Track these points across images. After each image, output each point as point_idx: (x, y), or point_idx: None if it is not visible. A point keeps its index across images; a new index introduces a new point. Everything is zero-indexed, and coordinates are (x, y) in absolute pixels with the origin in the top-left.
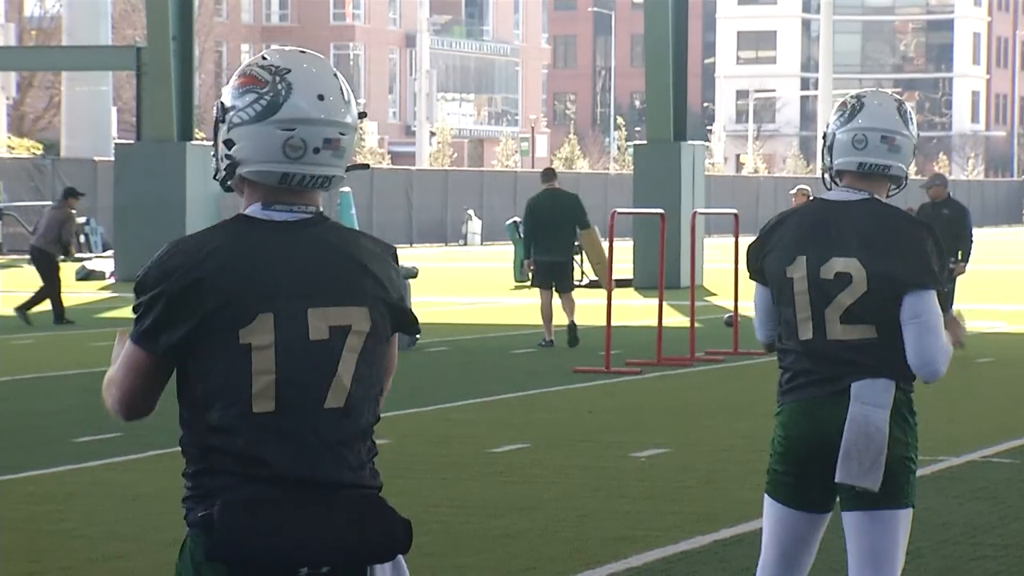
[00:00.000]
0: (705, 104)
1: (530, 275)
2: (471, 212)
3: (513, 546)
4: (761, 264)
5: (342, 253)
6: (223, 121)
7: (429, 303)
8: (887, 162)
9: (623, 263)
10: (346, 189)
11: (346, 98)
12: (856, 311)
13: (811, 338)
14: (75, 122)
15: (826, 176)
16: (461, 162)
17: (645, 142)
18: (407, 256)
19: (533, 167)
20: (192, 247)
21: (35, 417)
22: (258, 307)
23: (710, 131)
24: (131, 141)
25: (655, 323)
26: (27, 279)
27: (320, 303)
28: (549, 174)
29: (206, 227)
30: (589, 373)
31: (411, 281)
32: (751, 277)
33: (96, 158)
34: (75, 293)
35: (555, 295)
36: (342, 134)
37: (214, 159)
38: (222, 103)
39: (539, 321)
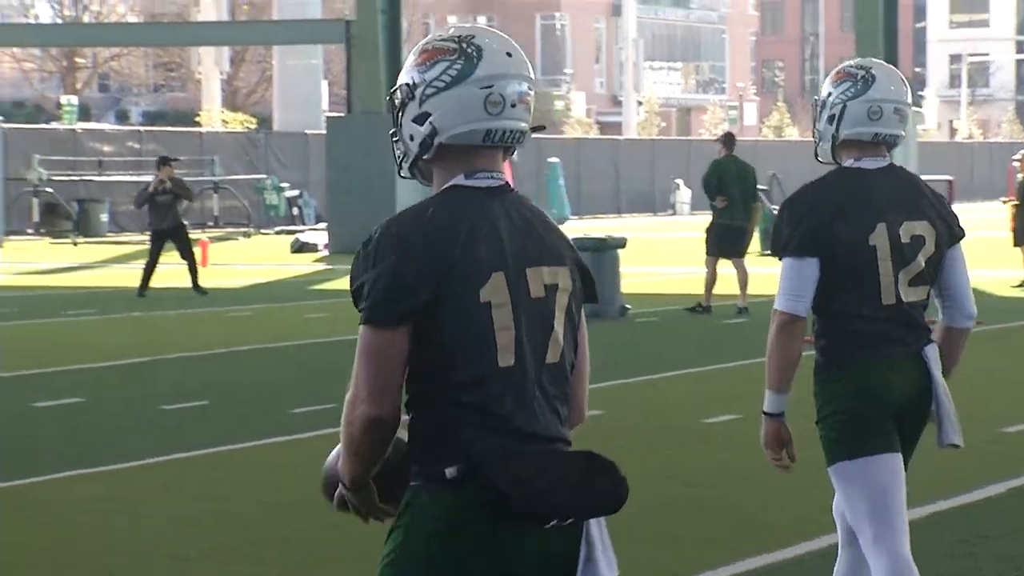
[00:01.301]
0: (917, 69)
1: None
2: (679, 181)
3: (731, 516)
4: (825, 237)
5: (539, 217)
6: (412, 99)
7: (638, 273)
8: (897, 132)
9: None
10: (554, 160)
11: (525, 59)
12: (924, 273)
13: (893, 303)
14: (287, 96)
15: (821, 144)
16: (669, 131)
17: None
18: (615, 226)
19: (741, 135)
20: (412, 219)
21: (252, 388)
22: (490, 266)
23: (922, 96)
24: (341, 114)
25: None
26: (241, 252)
27: (534, 263)
28: (731, 140)
29: (415, 202)
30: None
31: (620, 251)
32: (802, 253)
33: (308, 131)
34: (289, 265)
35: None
36: (530, 89)
37: (396, 145)
38: (407, 84)
39: (750, 291)
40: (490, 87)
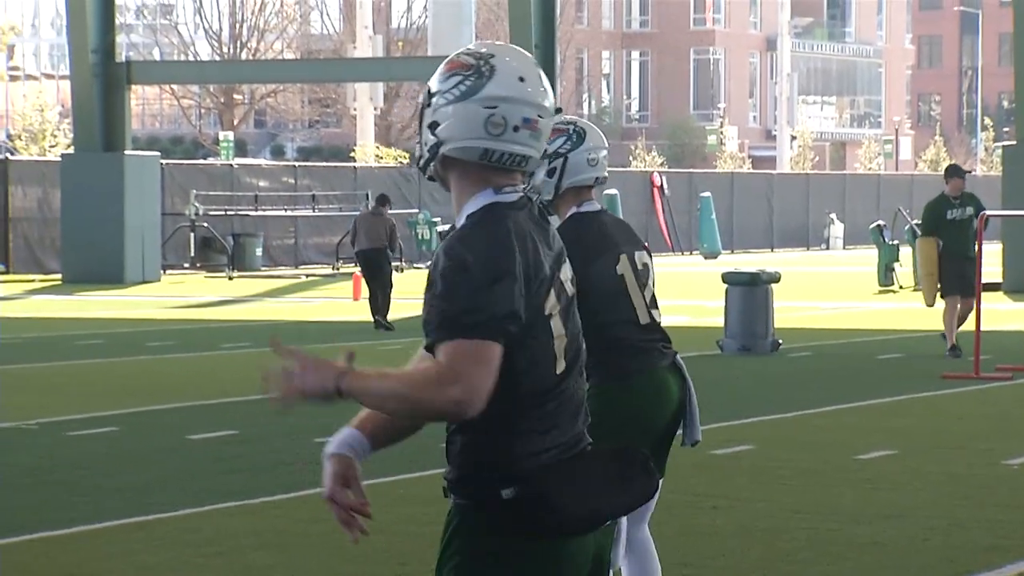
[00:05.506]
0: None
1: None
2: (833, 216)
3: (882, 554)
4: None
5: (548, 223)
6: (428, 105)
7: (791, 308)
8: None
9: (992, 266)
10: (707, 194)
11: (544, 86)
12: (655, 295)
13: (649, 321)
14: None
15: (543, 195)
16: (823, 165)
17: (1014, 142)
18: (767, 261)
19: (897, 170)
20: (498, 241)
21: None
22: (548, 280)
23: None
24: None
25: None
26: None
27: (559, 272)
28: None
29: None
30: (958, 379)
31: (773, 286)
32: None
33: None
34: None
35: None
36: (540, 116)
37: (418, 146)
38: (428, 89)
39: (903, 326)
40: (494, 108)
